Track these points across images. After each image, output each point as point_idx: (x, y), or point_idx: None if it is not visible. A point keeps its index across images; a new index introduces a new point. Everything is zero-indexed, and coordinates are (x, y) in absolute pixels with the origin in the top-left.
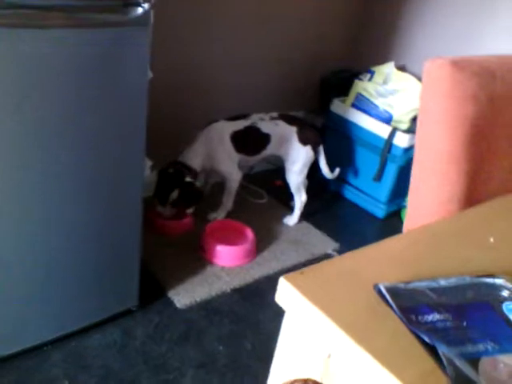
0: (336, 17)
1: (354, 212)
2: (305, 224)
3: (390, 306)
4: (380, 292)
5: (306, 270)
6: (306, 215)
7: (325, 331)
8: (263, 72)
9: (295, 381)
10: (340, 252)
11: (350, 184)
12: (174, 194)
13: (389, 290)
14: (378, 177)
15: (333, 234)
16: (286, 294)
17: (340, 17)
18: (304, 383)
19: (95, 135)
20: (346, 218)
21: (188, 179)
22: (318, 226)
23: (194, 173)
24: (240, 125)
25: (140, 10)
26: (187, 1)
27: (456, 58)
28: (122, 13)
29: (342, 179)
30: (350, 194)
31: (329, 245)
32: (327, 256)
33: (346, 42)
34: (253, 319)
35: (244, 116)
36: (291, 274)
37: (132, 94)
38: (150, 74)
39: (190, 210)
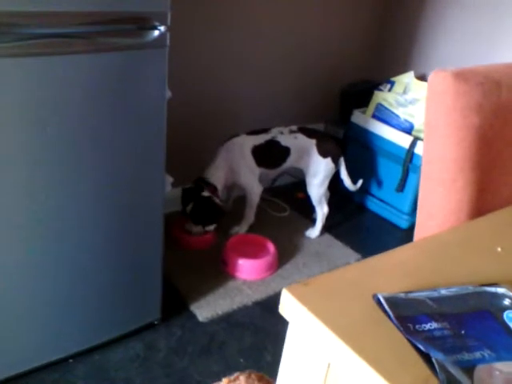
0: (355, 28)
1: (377, 223)
2: (327, 236)
3: (388, 316)
4: (379, 302)
5: (309, 280)
6: (328, 227)
7: (324, 341)
8: (283, 85)
9: (240, 374)
10: None
11: (373, 195)
12: (189, 208)
13: (387, 299)
14: (401, 187)
15: (355, 245)
16: (288, 305)
17: (359, 28)
18: (248, 377)
19: (116, 153)
20: (368, 229)
21: (205, 194)
22: (341, 238)
23: (212, 188)
24: (260, 139)
25: (156, 33)
26: (204, 17)
27: (459, 70)
28: (139, 36)
29: (365, 190)
30: (373, 205)
31: (351, 257)
32: None
33: (366, 52)
34: (273, 331)
35: (264, 130)
36: (294, 285)
37: (151, 114)
38: (169, 94)
39: (209, 228)
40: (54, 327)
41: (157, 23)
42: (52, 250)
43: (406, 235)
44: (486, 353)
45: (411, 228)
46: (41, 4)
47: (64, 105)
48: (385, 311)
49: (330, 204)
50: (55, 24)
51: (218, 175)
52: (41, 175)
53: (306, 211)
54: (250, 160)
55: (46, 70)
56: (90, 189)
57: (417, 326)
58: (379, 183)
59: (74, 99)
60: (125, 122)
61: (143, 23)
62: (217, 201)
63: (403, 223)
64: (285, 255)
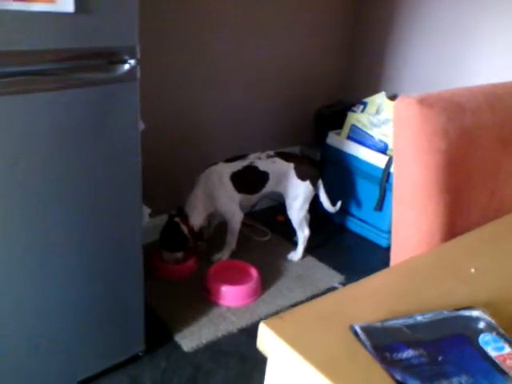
0: (326, 51)
1: (357, 243)
2: (309, 258)
3: (365, 346)
4: (356, 332)
5: (285, 314)
6: (310, 249)
7: (304, 375)
8: (258, 109)
9: None
10: (346, 284)
11: (353, 215)
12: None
13: (364, 329)
14: (379, 206)
15: (338, 266)
16: (266, 339)
17: (330, 50)
18: None
19: (90, 187)
20: (350, 249)
21: (176, 220)
22: (323, 259)
23: (183, 217)
24: (238, 165)
25: (126, 67)
26: (175, 43)
27: (424, 95)
28: (109, 71)
29: (344, 211)
30: (353, 225)
31: (334, 278)
32: (333, 289)
33: (337, 75)
34: (260, 359)
35: (241, 156)
36: (271, 319)
37: (125, 147)
38: (142, 125)
39: (177, 255)
40: (34, 364)
41: (126, 57)
42: (28, 285)
43: (387, 253)
44: (463, 379)
45: None
46: (9, 43)
47: (32, 144)
48: (362, 341)
49: (310, 226)
50: (24, 62)
51: (196, 204)
52: (12, 214)
53: (287, 234)
54: (229, 187)
55: (16, 109)
56: (66, 223)
57: (394, 355)
58: (358, 203)
59: (45, 136)
60: (98, 157)
61: (113, 58)
62: (182, 227)
63: (383, 242)
64: (268, 280)
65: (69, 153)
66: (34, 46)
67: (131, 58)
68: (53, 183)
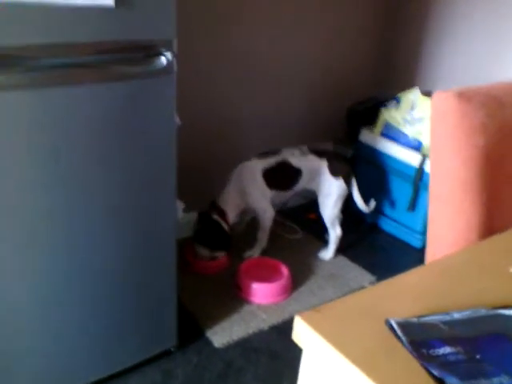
0: (359, 46)
1: (390, 243)
2: (341, 258)
3: (401, 341)
4: (391, 327)
5: (321, 307)
6: (341, 248)
7: (339, 368)
8: (290, 105)
9: None
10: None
11: (385, 215)
12: (196, 228)
13: (400, 324)
14: (412, 206)
15: (369, 266)
16: (302, 332)
17: (363, 46)
18: None
19: (126, 182)
20: (382, 249)
21: (215, 217)
22: (354, 259)
23: (221, 212)
24: (271, 161)
25: (163, 60)
26: (210, 39)
27: (462, 90)
28: (147, 64)
29: (377, 210)
30: (385, 225)
31: (365, 278)
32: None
33: (371, 70)
34: (291, 356)
35: (274, 152)
36: (307, 313)
37: (161, 141)
38: (178, 121)
39: (218, 254)
40: (68, 357)
41: (163, 50)
42: (64, 278)
43: (421, 254)
44: (505, 379)
45: (425, 247)
46: (49, 36)
47: (70, 137)
48: (398, 336)
49: (342, 225)
50: (64, 55)
51: (229, 200)
52: (53, 206)
53: (319, 232)
54: (261, 183)
55: (57, 101)
56: (103, 217)
57: (430, 351)
58: (391, 202)
59: (84, 129)
60: (135, 151)
61: (150, 51)
62: (224, 227)
63: (417, 242)
64: (299, 278)
65: (107, 146)
66: (76, 39)
67: (168, 51)
68: (91, 176)
